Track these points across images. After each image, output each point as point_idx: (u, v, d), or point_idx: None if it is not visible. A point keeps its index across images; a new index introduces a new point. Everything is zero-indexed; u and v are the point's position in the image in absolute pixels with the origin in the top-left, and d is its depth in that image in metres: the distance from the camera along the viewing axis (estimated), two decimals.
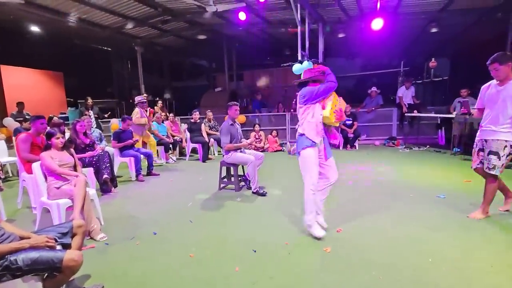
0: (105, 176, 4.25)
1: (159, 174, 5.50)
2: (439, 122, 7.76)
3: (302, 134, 2.78)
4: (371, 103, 8.78)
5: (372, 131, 8.67)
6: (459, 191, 3.93)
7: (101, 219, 3.26)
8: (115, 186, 4.54)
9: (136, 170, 5.15)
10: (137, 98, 6.20)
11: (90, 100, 7.22)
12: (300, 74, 6.65)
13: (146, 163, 5.55)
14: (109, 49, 13.06)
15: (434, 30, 8.89)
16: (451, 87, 11.81)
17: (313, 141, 2.73)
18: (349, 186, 4.33)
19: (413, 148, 7.43)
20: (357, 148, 7.85)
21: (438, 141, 7.82)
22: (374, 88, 8.85)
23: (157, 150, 6.54)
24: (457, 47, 11.66)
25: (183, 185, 4.80)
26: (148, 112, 6.47)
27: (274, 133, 8.21)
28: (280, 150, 7.95)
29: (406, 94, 8.29)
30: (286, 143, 8.95)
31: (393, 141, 8.12)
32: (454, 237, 2.70)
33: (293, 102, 8.55)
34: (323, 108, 2.76)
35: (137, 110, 6.04)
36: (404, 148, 7.54)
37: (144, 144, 6.20)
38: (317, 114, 2.72)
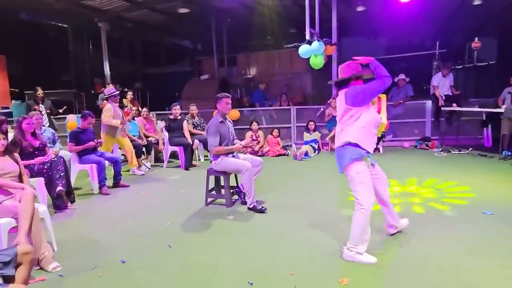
0: (59, 188, 4.23)
1: (129, 186, 5.52)
2: (484, 118, 7.83)
3: (349, 143, 2.77)
4: (399, 94, 8.84)
5: (400, 130, 8.72)
6: (510, 205, 3.97)
7: (54, 244, 3.25)
8: (72, 201, 4.54)
9: (99, 181, 5.16)
10: (108, 90, 6.08)
11: (40, 91, 7.22)
12: (309, 58, 6.62)
13: (112, 171, 5.55)
14: (65, 25, 13.05)
15: (477, 1, 8.99)
16: (500, 74, 11.90)
17: (366, 151, 2.77)
18: None
19: (452, 151, 7.50)
20: (381, 151, 7.91)
21: (484, 143, 7.89)
22: (402, 76, 8.91)
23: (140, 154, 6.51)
24: (506, 23, 11.77)
25: (160, 199, 4.80)
26: (123, 111, 6.39)
27: (275, 132, 8.25)
28: (284, 154, 7.98)
29: (442, 83, 8.37)
30: (291, 145, 8.99)
31: (426, 143, 8.18)
32: (504, 266, 2.71)
33: (328, 102, 8.47)
34: (379, 111, 2.95)
35: (109, 106, 5.89)
36: (441, 151, 7.60)
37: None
38: (372, 118, 2.77)
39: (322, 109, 8.49)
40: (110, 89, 6.03)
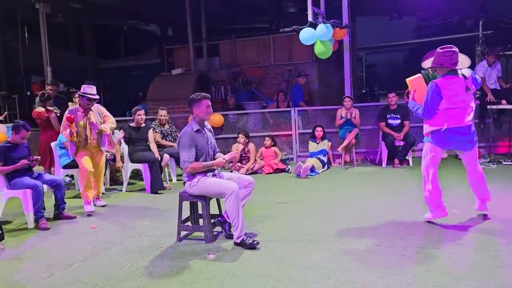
0: None
1: (75, 217, 5.48)
2: None
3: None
4: None
5: None
6: None
7: None
8: (0, 240, 4.46)
9: (36, 211, 5.09)
10: (83, 89, 5.70)
11: None
12: (313, 45, 6.84)
13: (53, 198, 5.48)
14: None
15: None
16: None
17: None
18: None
19: (504, 162, 7.56)
20: (410, 163, 7.94)
21: None
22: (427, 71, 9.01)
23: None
24: None
25: (117, 235, 4.74)
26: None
27: (267, 140, 8.20)
28: (283, 170, 7.97)
29: (489, 73, 8.48)
30: (291, 159, 8.99)
31: None
32: None
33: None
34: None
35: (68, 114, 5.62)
36: (489, 162, 7.65)
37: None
38: None
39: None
40: (88, 87, 5.76)
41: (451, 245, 3.88)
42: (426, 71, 4.54)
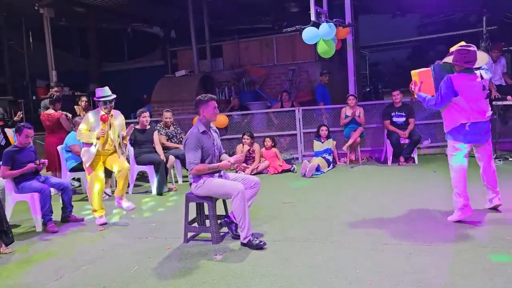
0: None
1: (83, 219, 5.50)
2: None
3: None
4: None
5: (440, 133, 8.74)
6: None
7: None
8: (8, 243, 4.48)
9: (43, 214, 5.12)
10: (98, 92, 5.35)
11: None
12: (316, 44, 6.81)
13: (61, 201, 5.51)
14: None
15: None
16: None
17: None
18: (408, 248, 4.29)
19: (510, 158, 7.53)
20: (416, 161, 7.92)
21: None
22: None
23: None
24: None
25: (124, 236, 4.77)
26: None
27: (268, 141, 8.21)
28: (288, 170, 7.97)
29: (494, 69, 8.43)
30: (296, 159, 8.99)
31: None
32: None
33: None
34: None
35: (90, 115, 5.34)
36: (495, 158, 7.60)
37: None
38: None
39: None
40: (100, 90, 5.38)
41: (458, 243, 3.87)
42: (447, 64, 4.54)
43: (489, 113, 4.43)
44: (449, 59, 4.42)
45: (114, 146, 5.37)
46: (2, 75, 15.02)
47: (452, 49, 4.46)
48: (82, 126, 5.27)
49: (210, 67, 12.65)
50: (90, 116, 5.34)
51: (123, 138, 5.57)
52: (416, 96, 4.67)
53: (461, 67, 4.32)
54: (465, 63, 4.26)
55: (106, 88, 5.40)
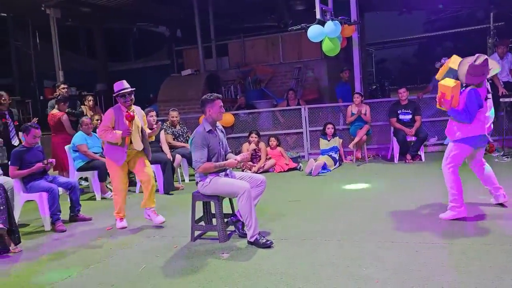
0: None
1: (90, 219, 5.54)
2: None
3: None
4: None
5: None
6: None
7: None
8: (17, 242, 4.52)
9: (52, 214, 5.16)
10: (117, 86, 4.97)
11: (6, 97, 7.14)
12: (322, 42, 6.82)
13: (68, 200, 5.54)
14: (4, 14, 13.26)
15: None
16: None
17: None
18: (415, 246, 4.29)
19: None
20: (423, 159, 7.89)
21: None
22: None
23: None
24: None
25: (131, 235, 4.80)
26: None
27: (273, 140, 8.21)
28: (295, 168, 7.98)
29: (501, 66, 8.34)
30: (302, 157, 8.99)
31: None
32: None
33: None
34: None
35: (111, 112, 4.97)
36: (503, 155, 7.56)
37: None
38: None
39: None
40: (118, 84, 5.01)
41: (465, 240, 3.86)
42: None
43: None
44: (462, 73, 4.29)
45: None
46: (9, 75, 15.14)
47: (453, 65, 4.42)
48: (106, 124, 4.91)
49: (216, 66, 12.67)
50: (112, 112, 4.95)
51: (148, 136, 5.33)
52: (447, 110, 4.50)
53: (482, 80, 4.32)
54: (488, 71, 4.30)
55: (124, 81, 5.03)
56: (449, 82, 4.37)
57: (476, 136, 4.38)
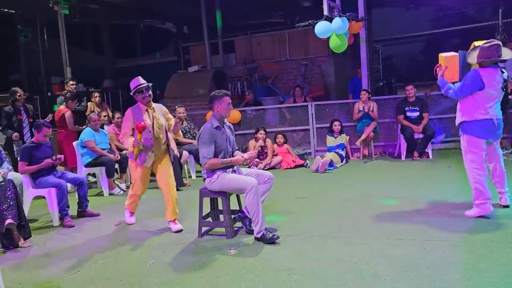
0: (8, 221, 4.27)
1: (98, 214, 5.57)
2: None
3: None
4: None
5: (454, 128, 8.66)
6: None
7: None
8: (26, 237, 4.57)
9: (60, 209, 5.21)
10: (133, 83, 4.74)
11: (21, 92, 7.19)
12: (329, 38, 6.78)
13: (76, 196, 5.59)
14: (12, 11, 13.33)
15: None
16: None
17: None
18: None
19: None
20: (430, 156, 7.85)
21: None
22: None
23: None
24: None
25: (138, 230, 4.82)
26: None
27: (280, 138, 8.20)
28: (301, 165, 7.97)
29: (509, 62, 8.28)
30: (309, 154, 8.98)
31: None
32: None
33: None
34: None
35: (130, 113, 4.75)
36: (511, 153, 7.52)
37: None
38: None
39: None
40: (134, 80, 4.76)
41: (473, 238, 3.85)
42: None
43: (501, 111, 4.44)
44: (473, 56, 4.36)
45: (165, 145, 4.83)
46: (18, 71, 15.24)
47: (476, 44, 4.44)
48: (124, 129, 4.71)
49: (223, 62, 12.67)
50: (130, 113, 4.75)
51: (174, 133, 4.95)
52: (438, 79, 4.60)
53: (490, 62, 4.29)
54: (498, 56, 4.26)
55: (139, 77, 4.81)
56: (446, 54, 4.57)
57: (479, 121, 4.29)
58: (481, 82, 4.22)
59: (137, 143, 4.51)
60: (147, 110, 4.72)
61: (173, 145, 7.17)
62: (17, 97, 6.90)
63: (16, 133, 6.61)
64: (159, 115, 4.80)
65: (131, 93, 4.73)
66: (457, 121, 4.50)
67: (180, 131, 5.71)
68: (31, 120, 6.96)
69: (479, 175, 4.34)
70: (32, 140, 5.51)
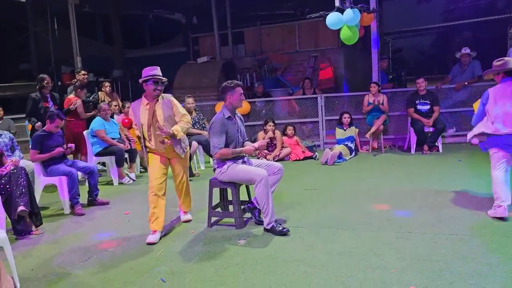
0: (21, 208, 4.30)
1: (108, 203, 5.61)
2: None
3: None
4: (462, 74, 8.72)
5: (465, 122, 8.57)
6: None
7: (16, 280, 3.31)
8: (38, 224, 4.62)
9: (71, 197, 5.26)
10: (145, 72, 4.40)
11: (48, 80, 7.21)
12: (339, 30, 6.70)
13: (87, 184, 5.63)
14: (23, 0, 13.35)
15: None
16: None
17: None
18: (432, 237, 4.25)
19: None
20: (440, 150, 7.80)
21: None
22: (466, 50, 8.79)
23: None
24: None
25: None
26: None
27: (290, 129, 8.20)
28: (310, 157, 7.96)
29: None
30: (318, 146, 8.96)
31: None
32: None
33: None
34: None
35: (130, 110, 4.75)
36: None
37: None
38: None
39: None
40: (149, 69, 4.43)
41: (484, 232, 3.82)
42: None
43: None
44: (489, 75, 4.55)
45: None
46: (28, 61, 15.31)
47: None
48: (135, 121, 4.56)
49: (232, 53, 12.63)
50: (131, 109, 4.64)
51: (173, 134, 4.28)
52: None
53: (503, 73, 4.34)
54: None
55: (158, 68, 4.47)
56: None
57: (496, 137, 4.26)
58: (485, 100, 4.32)
59: (133, 141, 4.42)
60: (147, 104, 4.35)
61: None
62: (45, 84, 6.90)
63: (39, 122, 6.61)
64: (162, 110, 4.35)
65: (141, 81, 4.37)
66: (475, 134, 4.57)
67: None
68: (57, 107, 6.98)
69: (496, 180, 4.28)
70: (43, 128, 5.54)
